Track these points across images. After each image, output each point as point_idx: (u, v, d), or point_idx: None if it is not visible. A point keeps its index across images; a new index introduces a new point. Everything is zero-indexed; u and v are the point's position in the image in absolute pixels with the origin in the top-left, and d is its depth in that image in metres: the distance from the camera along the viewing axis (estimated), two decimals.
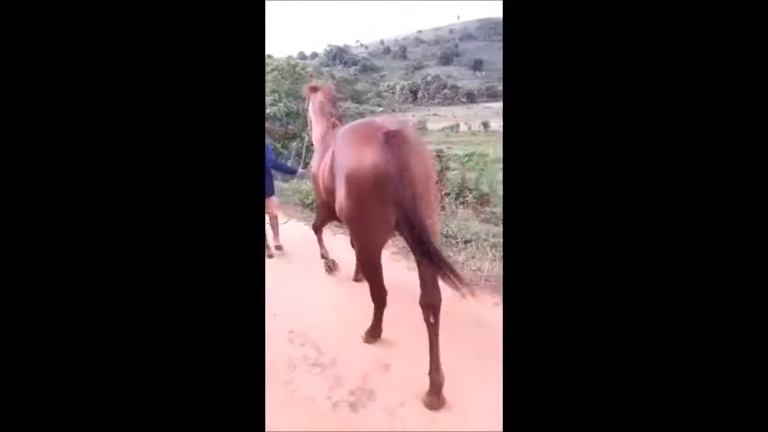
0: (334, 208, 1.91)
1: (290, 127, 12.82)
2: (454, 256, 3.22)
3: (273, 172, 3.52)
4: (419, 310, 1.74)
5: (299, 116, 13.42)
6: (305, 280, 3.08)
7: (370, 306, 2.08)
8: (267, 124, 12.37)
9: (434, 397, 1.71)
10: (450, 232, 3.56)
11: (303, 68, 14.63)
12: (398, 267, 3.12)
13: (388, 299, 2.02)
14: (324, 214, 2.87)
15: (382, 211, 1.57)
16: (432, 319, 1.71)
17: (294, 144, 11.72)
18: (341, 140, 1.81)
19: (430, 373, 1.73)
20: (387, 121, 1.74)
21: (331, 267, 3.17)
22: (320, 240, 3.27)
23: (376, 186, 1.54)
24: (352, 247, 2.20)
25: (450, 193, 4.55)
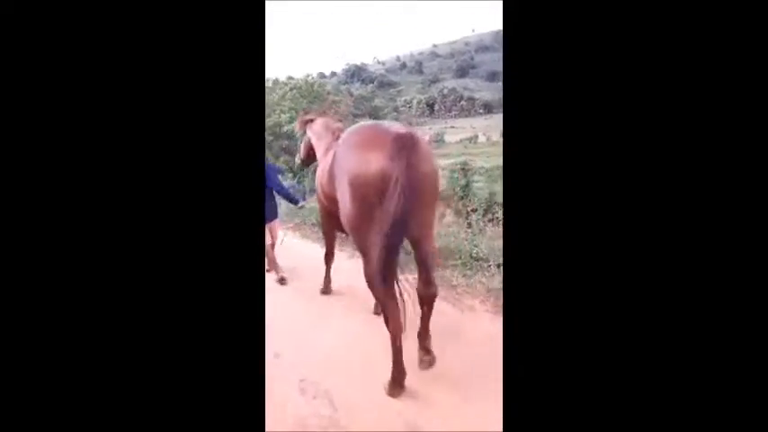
0: (335, 215, 1.82)
1: None
2: (487, 282, 2.85)
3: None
4: (449, 349, 1.76)
5: None
6: (315, 311, 2.76)
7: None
8: (286, 142, 12.41)
9: (426, 358, 1.85)
10: (480, 254, 3.18)
11: (321, 86, 14.77)
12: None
13: (412, 333, 1.75)
14: (326, 225, 2.65)
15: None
16: (425, 309, 1.79)
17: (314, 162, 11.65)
18: (344, 143, 1.71)
19: (419, 350, 1.85)
20: (394, 125, 1.66)
21: (324, 290, 2.98)
22: (327, 273, 2.99)
23: (383, 193, 1.44)
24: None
25: (477, 209, 4.18)
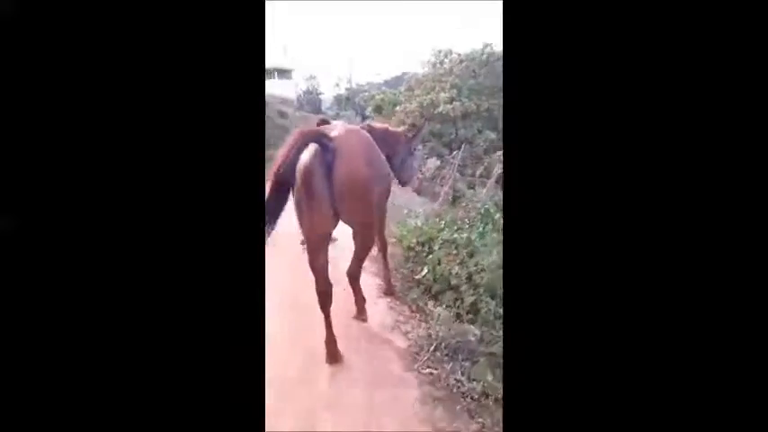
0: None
1: (461, 131, 10.56)
2: None
3: None
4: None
5: (478, 117, 10.99)
6: None
7: None
8: (438, 126, 10.55)
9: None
10: None
11: (499, 59, 11.88)
12: None
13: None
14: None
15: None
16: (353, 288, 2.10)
17: (459, 152, 9.45)
18: None
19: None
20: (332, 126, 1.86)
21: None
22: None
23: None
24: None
25: None
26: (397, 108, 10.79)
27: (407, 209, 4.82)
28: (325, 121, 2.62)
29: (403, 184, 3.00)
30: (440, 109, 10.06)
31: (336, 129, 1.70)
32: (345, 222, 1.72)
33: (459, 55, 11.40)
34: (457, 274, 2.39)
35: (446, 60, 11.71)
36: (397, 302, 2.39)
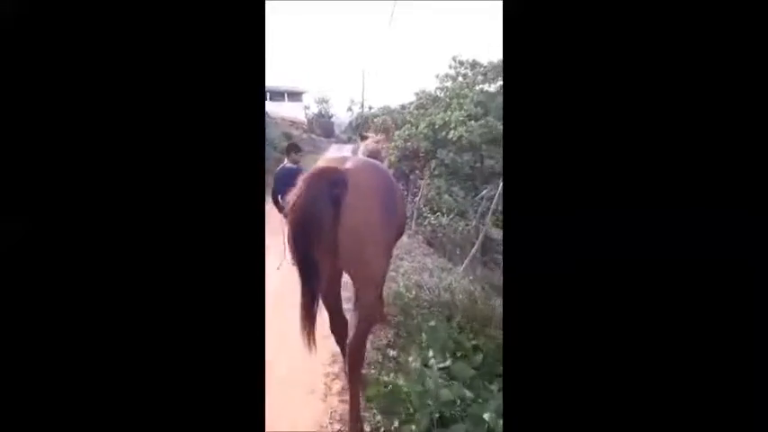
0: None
1: (488, 162, 7.77)
2: None
3: None
4: None
5: None
6: None
7: None
8: (450, 154, 7.87)
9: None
10: None
11: None
12: None
13: None
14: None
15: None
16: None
17: (485, 192, 6.73)
18: None
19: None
20: (333, 159, 1.63)
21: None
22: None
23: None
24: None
25: None
26: (398, 133, 8.26)
27: (411, 278, 3.11)
28: (295, 146, 2.99)
29: None
30: (453, 133, 7.41)
31: (350, 161, 1.51)
32: (347, 273, 1.51)
33: (485, 66, 8.84)
34: None
35: (469, 73, 9.19)
36: None
